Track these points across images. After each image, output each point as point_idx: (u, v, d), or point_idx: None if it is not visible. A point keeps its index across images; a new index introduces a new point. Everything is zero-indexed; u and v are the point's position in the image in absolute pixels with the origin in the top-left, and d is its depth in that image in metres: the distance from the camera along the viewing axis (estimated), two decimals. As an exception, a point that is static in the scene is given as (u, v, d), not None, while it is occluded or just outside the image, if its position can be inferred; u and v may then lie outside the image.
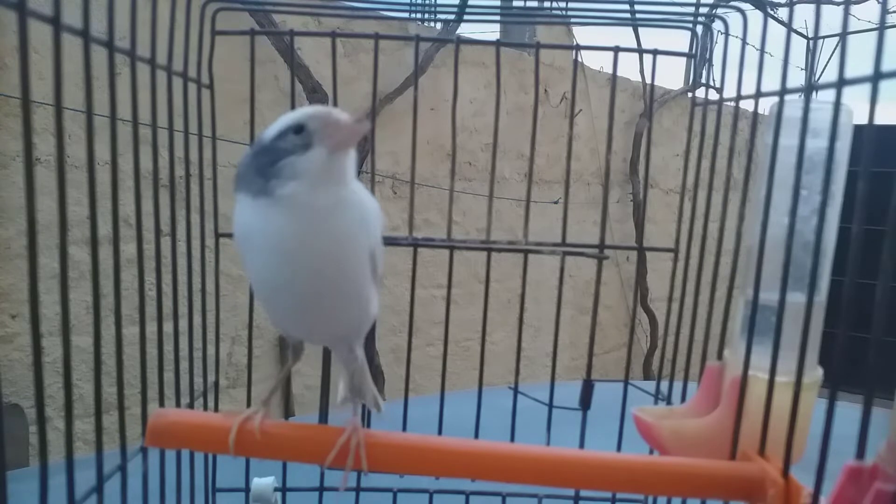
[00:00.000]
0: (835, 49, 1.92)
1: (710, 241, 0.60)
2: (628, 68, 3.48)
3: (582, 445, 0.65)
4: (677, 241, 0.69)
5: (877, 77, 0.35)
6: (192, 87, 0.61)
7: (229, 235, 0.49)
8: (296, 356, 0.53)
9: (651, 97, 0.85)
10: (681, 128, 3.26)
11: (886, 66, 0.35)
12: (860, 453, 0.35)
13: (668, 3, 0.69)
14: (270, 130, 0.44)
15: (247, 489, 0.66)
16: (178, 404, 0.59)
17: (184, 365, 0.58)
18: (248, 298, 0.63)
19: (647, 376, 3.24)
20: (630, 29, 2.11)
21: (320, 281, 0.44)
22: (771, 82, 0.49)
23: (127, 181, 0.47)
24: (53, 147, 1.00)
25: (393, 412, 0.68)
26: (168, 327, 0.55)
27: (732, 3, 0.73)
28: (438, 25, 2.39)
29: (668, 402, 0.68)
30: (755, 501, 0.43)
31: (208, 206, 0.63)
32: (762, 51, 0.50)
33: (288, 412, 1.96)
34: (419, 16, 2.38)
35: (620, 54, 0.67)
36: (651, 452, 0.55)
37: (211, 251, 0.65)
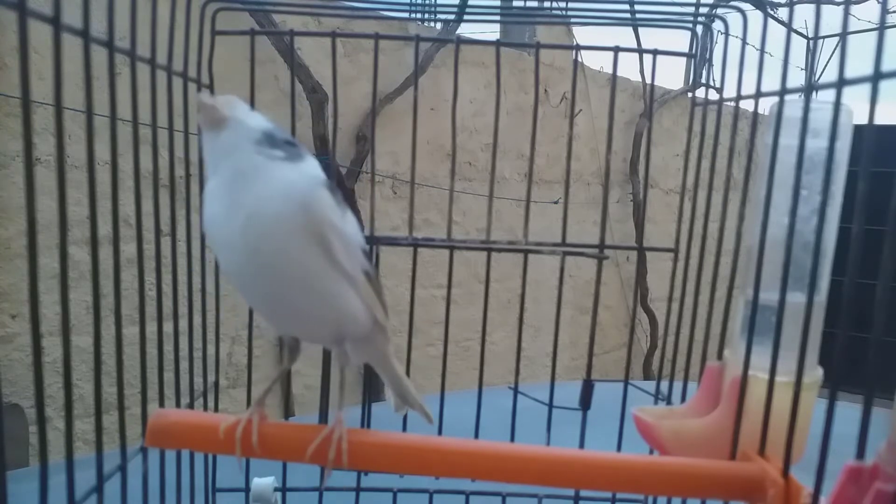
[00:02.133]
0: (835, 49, 1.92)
1: (710, 241, 0.60)
2: (628, 68, 3.48)
3: (582, 445, 0.65)
4: (677, 241, 0.69)
5: (877, 77, 0.35)
6: (192, 87, 0.61)
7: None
8: (291, 356, 0.52)
9: (651, 97, 0.85)
10: (681, 128, 3.26)
11: (886, 66, 0.35)
12: (860, 453, 0.35)
13: (668, 3, 0.69)
14: None
15: (247, 489, 0.66)
16: (178, 404, 0.59)
17: (184, 365, 0.58)
18: (248, 298, 0.63)
19: (647, 376, 3.24)
20: (630, 29, 2.11)
21: (255, 271, 0.43)
22: (771, 82, 0.49)
23: (127, 181, 0.47)
24: (53, 147, 1.00)
25: (393, 412, 0.68)
26: (168, 327, 0.55)
27: (732, 3, 0.73)
28: (438, 25, 2.39)
29: (668, 402, 0.68)
30: (755, 501, 0.43)
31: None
32: (762, 51, 0.50)
33: (288, 412, 1.97)
34: (419, 16, 2.38)
35: (620, 54, 0.67)
36: (651, 452, 0.55)
37: (211, 251, 0.65)
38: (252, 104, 0.67)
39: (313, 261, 0.43)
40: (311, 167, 0.45)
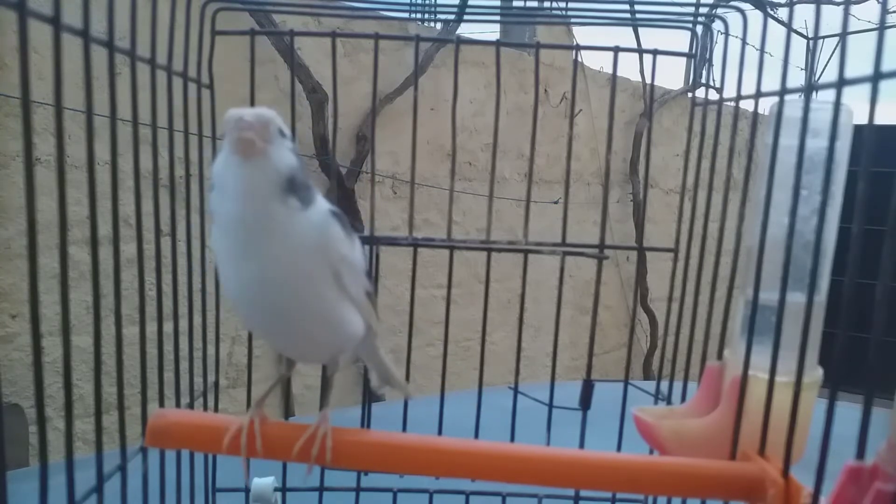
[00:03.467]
0: (835, 49, 1.92)
1: (710, 241, 0.60)
2: (628, 68, 3.48)
3: (582, 445, 0.65)
4: (677, 241, 0.69)
5: (877, 77, 0.35)
6: (192, 87, 0.60)
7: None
8: (290, 364, 0.53)
9: (651, 97, 0.85)
10: (681, 128, 3.26)
11: (886, 66, 0.35)
12: (860, 453, 0.35)
13: (668, 3, 0.69)
14: None
15: (247, 489, 0.66)
16: (178, 404, 0.59)
17: (184, 365, 0.58)
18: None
19: (647, 376, 3.24)
20: (630, 29, 2.11)
21: (271, 308, 0.44)
22: (771, 82, 0.49)
23: (127, 181, 0.47)
24: (53, 147, 1.00)
25: (393, 412, 0.68)
26: (168, 327, 0.55)
27: (732, 3, 0.73)
28: (438, 25, 2.39)
29: (668, 402, 0.68)
30: (755, 501, 0.43)
31: (208, 206, 0.63)
32: (762, 51, 0.50)
33: (288, 412, 1.97)
34: (419, 16, 2.38)
35: (620, 54, 0.67)
36: (651, 452, 0.55)
37: (211, 251, 0.65)
38: (252, 104, 0.67)
39: (327, 294, 0.44)
40: (320, 204, 0.45)
